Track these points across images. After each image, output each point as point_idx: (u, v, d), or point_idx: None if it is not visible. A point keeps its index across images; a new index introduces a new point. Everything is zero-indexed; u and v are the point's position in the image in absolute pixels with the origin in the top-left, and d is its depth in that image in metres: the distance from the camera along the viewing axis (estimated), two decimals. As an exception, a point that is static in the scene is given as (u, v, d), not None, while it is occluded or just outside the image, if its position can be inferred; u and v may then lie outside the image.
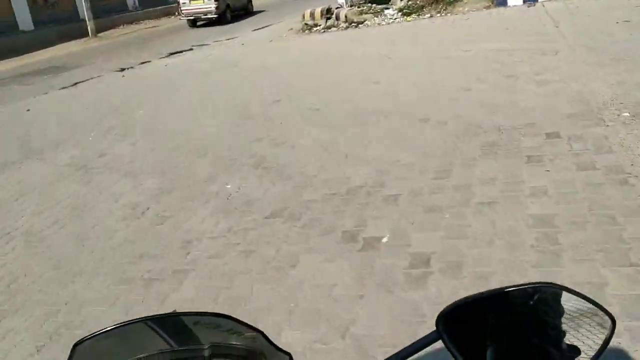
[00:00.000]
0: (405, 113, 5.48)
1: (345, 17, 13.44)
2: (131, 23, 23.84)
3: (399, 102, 5.90)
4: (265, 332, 0.69)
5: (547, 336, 0.70)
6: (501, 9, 11.84)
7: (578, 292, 0.69)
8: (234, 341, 0.71)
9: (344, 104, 6.26)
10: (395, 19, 12.73)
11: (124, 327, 0.67)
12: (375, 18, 13.03)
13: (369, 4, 14.21)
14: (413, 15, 12.60)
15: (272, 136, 5.44)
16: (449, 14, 12.31)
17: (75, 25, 20.89)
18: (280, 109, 6.51)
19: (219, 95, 7.95)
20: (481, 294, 0.70)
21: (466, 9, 12.31)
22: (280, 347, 0.70)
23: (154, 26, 23.18)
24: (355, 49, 10.20)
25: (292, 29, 15.72)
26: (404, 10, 12.92)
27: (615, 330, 0.66)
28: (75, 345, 0.65)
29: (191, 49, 15.40)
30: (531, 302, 0.70)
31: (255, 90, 7.91)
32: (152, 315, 0.69)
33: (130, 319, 0.68)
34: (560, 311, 0.70)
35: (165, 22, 24.15)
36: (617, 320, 0.66)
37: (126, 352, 0.68)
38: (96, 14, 21.29)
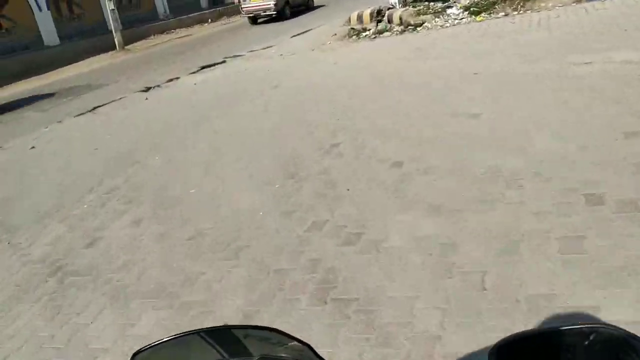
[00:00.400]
0: (554, 177, 3.47)
1: (400, 19, 11.43)
2: (162, 33, 22.46)
3: (532, 155, 3.89)
4: (312, 346, 0.71)
5: None
6: (596, 2, 9.58)
7: (636, 335, 0.67)
8: (282, 353, 0.73)
9: (436, 154, 4.30)
10: (462, 19, 10.64)
11: (179, 339, 0.73)
12: (437, 19, 10.98)
13: (426, 2, 12.15)
14: (483, 14, 10.48)
15: (338, 220, 3.53)
16: (528, 11, 10.13)
17: (102, 37, 19.62)
18: (343, 162, 4.60)
19: (255, 135, 6.12)
20: (537, 330, 0.81)
21: (550, 3, 10.09)
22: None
23: (186, 35, 21.71)
24: (420, 61, 8.20)
25: (335, 34, 13.82)
26: (472, 9, 10.80)
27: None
28: (134, 355, 0.72)
29: (224, 62, 13.74)
30: (586, 343, 0.68)
31: (302, 125, 6.05)
32: (205, 328, 0.75)
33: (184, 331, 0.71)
34: (617, 353, 0.67)
35: (199, 30, 22.66)
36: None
37: None
38: (125, 24, 20.00)
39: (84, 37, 20.18)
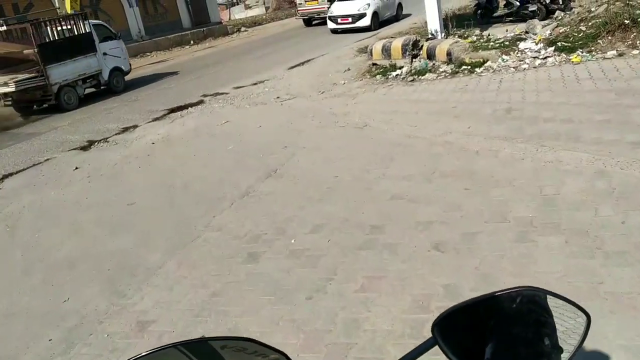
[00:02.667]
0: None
1: (448, 55, 8.05)
2: (134, 56, 18.95)
3: None
4: (288, 355, 0.75)
5: (534, 336, 0.76)
6: None
7: (557, 294, 0.78)
8: None
9: None
10: (545, 57, 7.25)
11: (157, 353, 0.73)
12: (504, 56, 7.58)
13: (479, 31, 8.79)
14: (579, 52, 7.11)
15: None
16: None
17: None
18: None
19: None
20: (471, 299, 0.79)
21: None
22: None
23: (162, 60, 18.23)
24: (533, 145, 4.75)
25: (349, 69, 10.42)
26: (559, 44, 7.43)
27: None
28: None
29: (201, 102, 10.25)
30: (515, 305, 0.77)
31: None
32: (182, 341, 0.75)
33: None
34: (542, 312, 0.77)
35: (177, 54, 19.21)
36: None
37: None
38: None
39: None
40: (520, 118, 5.39)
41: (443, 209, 3.83)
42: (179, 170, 6.07)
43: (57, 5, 14.72)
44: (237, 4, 38.65)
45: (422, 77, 7.90)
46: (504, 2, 12.77)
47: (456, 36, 8.90)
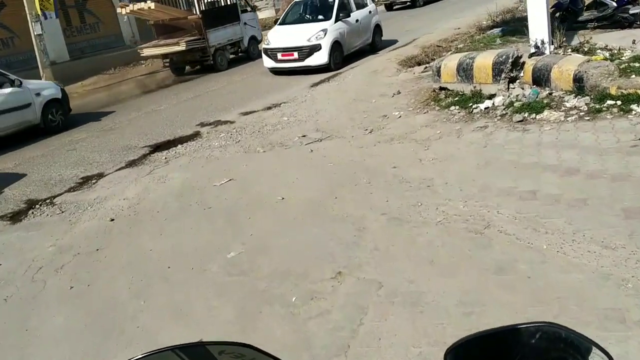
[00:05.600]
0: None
1: (578, 81, 5.10)
2: (127, 65, 16.15)
3: None
4: None
5: None
6: None
7: (576, 332, 0.76)
8: None
9: None
10: None
11: (154, 355, 0.72)
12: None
13: (602, 43, 5.85)
14: None
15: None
16: None
17: (30, 73, 13.14)
18: None
19: None
20: (486, 331, 0.79)
21: None
22: None
23: (153, 72, 15.07)
24: None
25: (399, 92, 7.53)
26: None
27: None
28: None
29: (196, 135, 7.45)
30: (533, 341, 0.76)
31: None
32: (180, 345, 0.75)
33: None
34: (560, 350, 0.75)
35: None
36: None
37: None
38: (74, 53, 13.79)
39: None
40: None
41: None
42: (134, 307, 3.19)
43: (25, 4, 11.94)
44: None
45: (538, 116, 4.97)
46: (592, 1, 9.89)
47: (569, 49, 5.98)
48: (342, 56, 10.67)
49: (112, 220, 4.86)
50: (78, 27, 17.00)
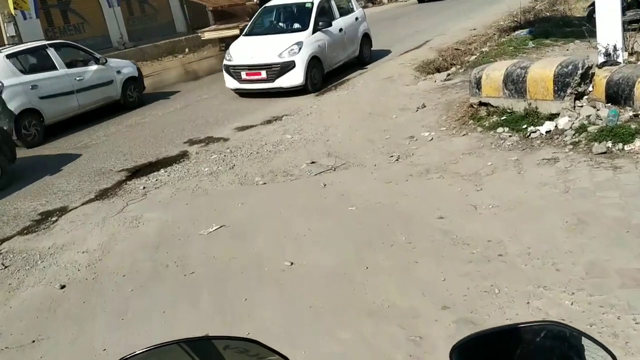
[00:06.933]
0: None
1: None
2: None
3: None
4: (290, 359, 0.70)
5: None
6: None
7: (581, 331, 0.76)
8: None
9: None
10: None
11: (159, 349, 0.71)
12: None
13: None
14: None
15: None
16: None
17: None
18: None
19: None
20: (492, 329, 0.80)
21: None
22: None
23: (148, 74, 13.81)
24: None
25: (423, 106, 6.33)
26: None
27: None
28: None
29: (183, 156, 6.27)
30: (538, 339, 0.76)
31: None
32: (186, 339, 0.74)
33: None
34: (564, 348, 0.75)
35: (168, 66, 14.97)
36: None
37: None
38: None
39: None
40: None
41: None
42: None
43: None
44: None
45: (627, 147, 3.74)
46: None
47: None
48: (323, 74, 8.63)
49: (63, 287, 3.63)
50: (61, 28, 15.71)
